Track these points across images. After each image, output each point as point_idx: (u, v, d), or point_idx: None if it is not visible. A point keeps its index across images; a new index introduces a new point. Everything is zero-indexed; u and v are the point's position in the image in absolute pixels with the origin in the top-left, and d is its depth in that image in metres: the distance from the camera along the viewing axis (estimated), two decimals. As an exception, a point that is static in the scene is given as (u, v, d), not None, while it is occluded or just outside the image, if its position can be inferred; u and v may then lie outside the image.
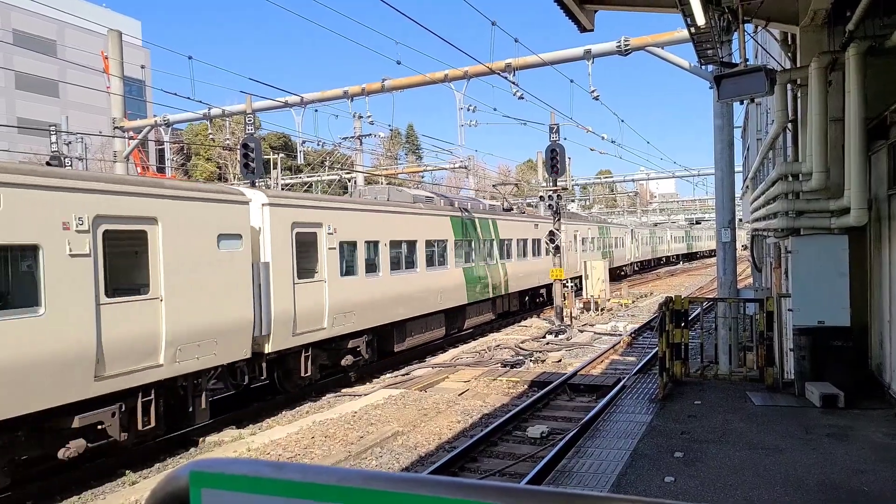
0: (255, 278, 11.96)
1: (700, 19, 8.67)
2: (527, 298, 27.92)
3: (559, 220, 23.51)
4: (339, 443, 10.66)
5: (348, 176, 36.24)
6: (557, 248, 23.34)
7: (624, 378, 13.04)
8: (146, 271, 9.90)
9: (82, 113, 48.97)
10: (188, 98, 23.33)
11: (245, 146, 19.01)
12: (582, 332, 22.10)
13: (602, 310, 27.70)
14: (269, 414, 12.89)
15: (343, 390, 14.86)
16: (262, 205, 12.50)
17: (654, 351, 14.70)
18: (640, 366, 15.06)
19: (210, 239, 11.02)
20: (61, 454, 8.68)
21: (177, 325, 10.18)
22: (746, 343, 12.29)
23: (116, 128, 23.46)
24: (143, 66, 41.60)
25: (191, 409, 10.81)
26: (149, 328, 9.78)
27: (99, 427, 9.12)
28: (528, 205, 47.41)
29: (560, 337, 21.02)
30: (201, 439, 11.23)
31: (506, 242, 24.90)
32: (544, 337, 21.24)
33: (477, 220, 22.56)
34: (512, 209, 29.10)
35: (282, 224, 12.88)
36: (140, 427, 9.74)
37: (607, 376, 14.71)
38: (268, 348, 12.35)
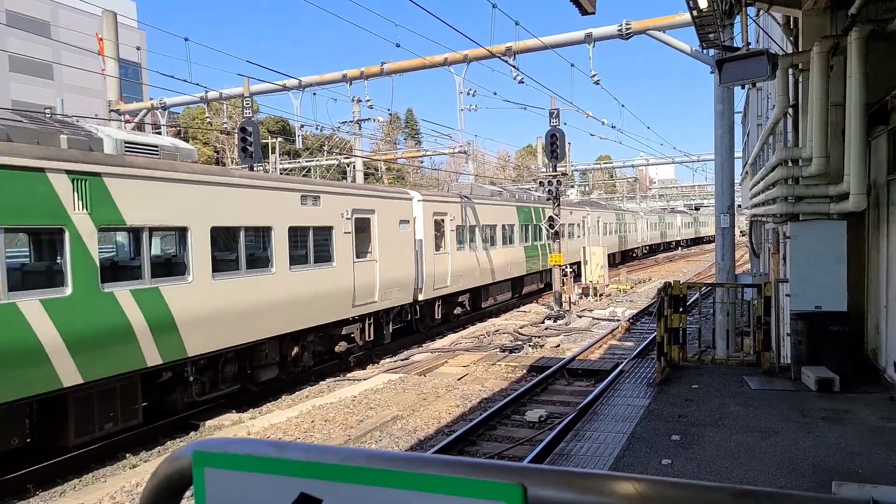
0: (415, 250, 17.99)
1: (702, 2, 8.62)
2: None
3: (558, 205, 23.47)
4: (339, 427, 10.71)
5: (347, 161, 36.12)
6: (557, 234, 23.33)
7: (622, 363, 13.09)
8: (370, 243, 15.96)
9: (77, 96, 48.67)
10: (185, 81, 23.24)
11: (243, 130, 18.92)
12: (580, 317, 22.15)
13: (601, 295, 27.75)
14: (268, 398, 12.94)
15: (343, 375, 14.91)
16: (417, 200, 18.36)
17: (653, 336, 14.75)
18: (638, 350, 15.10)
19: (396, 223, 17.10)
20: (336, 348, 14.92)
21: (384, 277, 16.26)
22: (744, 328, 12.34)
23: (112, 111, 23.32)
24: (138, 48, 41.24)
25: (384, 333, 16.96)
26: (372, 278, 15.87)
27: (350, 336, 15.22)
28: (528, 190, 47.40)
29: (559, 322, 21.07)
30: (201, 423, 11.27)
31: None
32: (543, 322, 21.30)
33: (531, 209, 28.12)
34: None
35: (427, 213, 18.73)
36: (367, 338, 15.94)
37: (605, 361, 14.76)
38: (420, 297, 18.28)
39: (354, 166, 32.80)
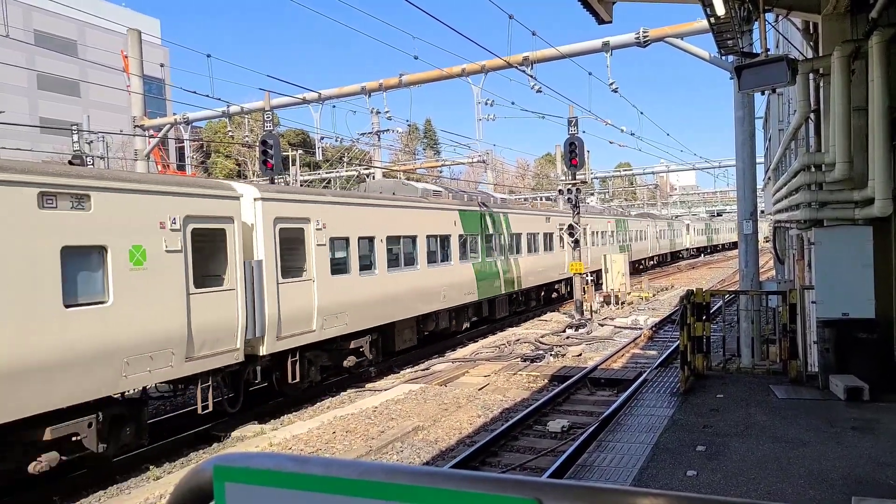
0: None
1: (720, 9, 8.57)
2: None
3: (578, 213, 23.38)
4: (360, 437, 10.73)
5: (366, 172, 36.32)
6: (577, 242, 23.22)
7: (645, 372, 12.96)
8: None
9: (103, 112, 49.56)
10: (207, 96, 23.50)
11: (264, 143, 19.14)
12: (602, 325, 22.00)
13: (622, 303, 27.54)
14: (289, 409, 13.00)
15: (363, 385, 14.94)
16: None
17: (676, 344, 14.59)
18: (661, 359, 14.95)
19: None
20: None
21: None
22: (769, 336, 12.16)
23: (137, 126, 23.72)
24: (162, 65, 42.01)
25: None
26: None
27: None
28: (548, 199, 47.31)
29: (580, 331, 20.94)
30: (224, 434, 11.36)
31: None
32: (564, 331, 21.18)
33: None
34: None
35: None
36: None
37: (628, 370, 14.63)
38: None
39: (374, 177, 32.96)
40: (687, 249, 62.99)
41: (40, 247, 8.21)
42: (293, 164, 31.00)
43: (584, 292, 23.75)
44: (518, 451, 9.97)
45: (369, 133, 29.32)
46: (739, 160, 12.85)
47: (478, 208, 21.83)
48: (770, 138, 26.88)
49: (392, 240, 16.39)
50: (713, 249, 75.66)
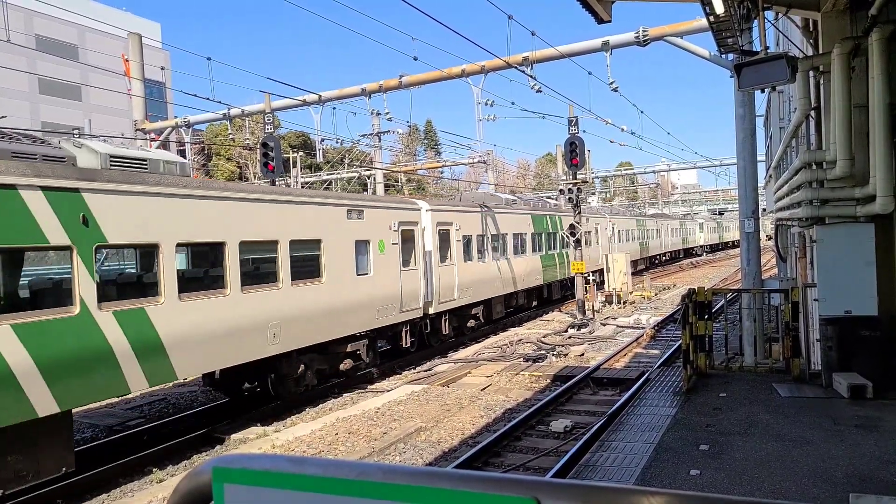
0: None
1: (719, 8, 8.57)
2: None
3: (579, 212, 23.36)
4: (363, 439, 10.72)
5: (367, 173, 36.33)
6: (578, 242, 23.20)
7: (648, 371, 12.95)
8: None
9: (104, 116, 49.69)
10: (208, 99, 23.61)
11: (265, 145, 19.15)
12: (604, 325, 21.98)
13: (624, 303, 27.52)
14: (292, 411, 13.00)
15: (366, 386, 14.94)
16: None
17: (678, 343, 14.58)
18: (663, 359, 14.94)
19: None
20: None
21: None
22: (772, 334, 12.14)
23: (138, 130, 23.76)
24: (162, 68, 42.01)
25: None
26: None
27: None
28: (549, 198, 47.32)
29: (582, 331, 20.92)
30: (227, 437, 11.36)
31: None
32: (566, 331, 21.16)
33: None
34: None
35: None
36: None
37: (631, 369, 14.61)
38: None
39: (375, 178, 32.98)
40: (700, 246, 69.62)
41: (346, 239, 14.03)
42: (294, 167, 31.00)
43: (586, 291, 23.73)
44: (521, 452, 9.96)
45: (370, 134, 29.31)
46: (740, 158, 12.83)
47: (542, 212, 27.40)
48: (771, 136, 26.83)
49: (495, 237, 22.17)
50: (724, 246, 79.98)
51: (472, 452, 9.45)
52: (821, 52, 10.19)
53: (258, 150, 20.68)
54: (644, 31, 16.42)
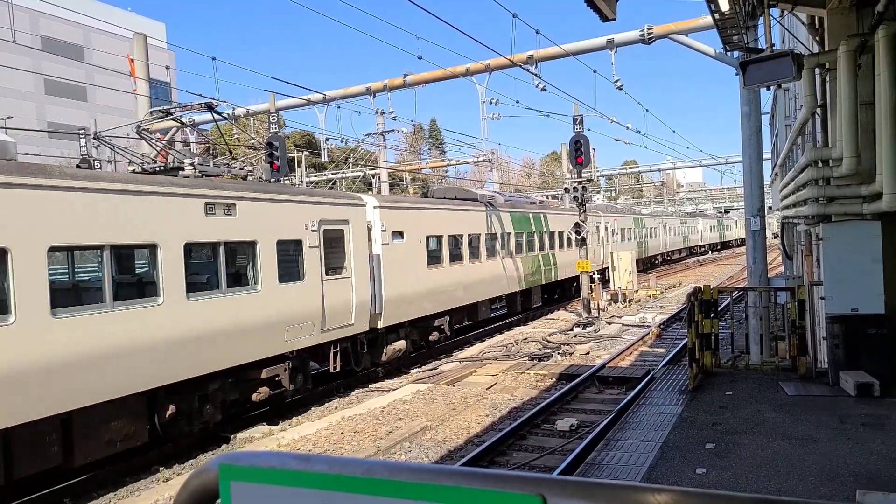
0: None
1: (724, 5, 8.54)
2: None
3: (584, 211, 23.32)
4: (369, 437, 10.74)
5: (372, 172, 36.37)
6: (583, 240, 23.16)
7: (653, 370, 12.93)
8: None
9: (110, 116, 49.77)
10: (213, 98, 23.60)
11: (270, 145, 19.16)
12: (610, 323, 21.94)
13: (630, 301, 27.47)
14: (298, 410, 13.03)
15: (371, 385, 14.96)
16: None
17: (684, 342, 14.54)
18: (669, 357, 14.91)
19: None
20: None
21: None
22: (778, 332, 12.10)
23: (143, 130, 23.79)
24: (167, 68, 42.13)
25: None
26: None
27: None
28: (555, 197, 47.28)
29: (588, 329, 20.89)
30: (232, 436, 11.39)
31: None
32: (571, 329, 21.13)
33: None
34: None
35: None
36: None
37: (636, 368, 14.59)
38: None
39: (379, 177, 33.02)
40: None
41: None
42: (299, 166, 31.06)
43: (592, 290, 23.70)
44: (526, 450, 9.96)
45: (374, 133, 29.34)
46: (746, 156, 12.80)
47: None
48: (777, 134, 26.73)
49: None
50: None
51: (477, 451, 9.45)
52: (826, 49, 10.15)
53: (263, 150, 20.69)
54: (649, 29, 16.37)
